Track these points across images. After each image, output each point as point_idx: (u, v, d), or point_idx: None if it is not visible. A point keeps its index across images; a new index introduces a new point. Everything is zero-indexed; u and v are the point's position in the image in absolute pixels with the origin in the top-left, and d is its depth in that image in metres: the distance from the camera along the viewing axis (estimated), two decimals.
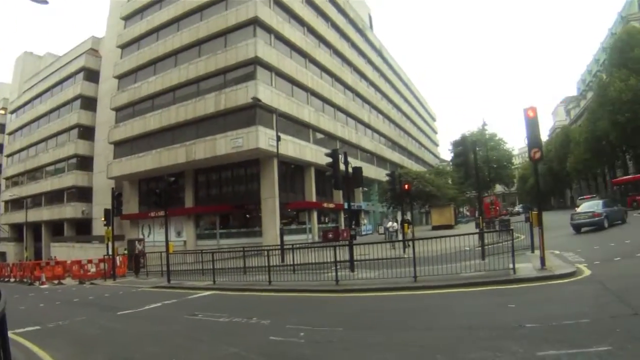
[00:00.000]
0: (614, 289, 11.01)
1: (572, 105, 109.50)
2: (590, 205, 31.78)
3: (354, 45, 71.19)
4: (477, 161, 26.00)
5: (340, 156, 22.06)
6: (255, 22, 46.20)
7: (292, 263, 21.46)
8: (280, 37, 49.57)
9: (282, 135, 36.45)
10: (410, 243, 17.81)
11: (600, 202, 32.53)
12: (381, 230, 52.84)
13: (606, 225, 28.81)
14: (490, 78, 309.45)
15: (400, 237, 32.44)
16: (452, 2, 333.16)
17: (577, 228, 29.52)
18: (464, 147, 22.22)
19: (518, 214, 59.19)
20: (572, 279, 13.38)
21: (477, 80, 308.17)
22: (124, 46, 57.93)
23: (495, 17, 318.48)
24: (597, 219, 29.04)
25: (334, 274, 16.95)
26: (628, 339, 6.94)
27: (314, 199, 51.52)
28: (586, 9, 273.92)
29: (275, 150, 35.60)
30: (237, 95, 44.51)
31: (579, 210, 31.80)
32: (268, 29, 47.79)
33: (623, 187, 50.71)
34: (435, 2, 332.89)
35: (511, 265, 14.77)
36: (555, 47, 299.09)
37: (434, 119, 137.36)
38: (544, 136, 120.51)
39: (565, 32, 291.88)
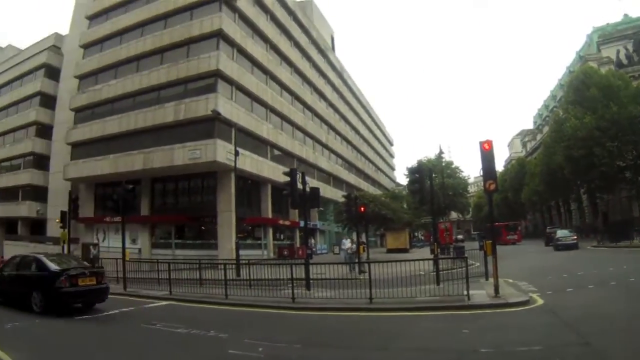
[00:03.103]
0: (565, 318, 11.48)
1: (528, 138, 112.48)
2: (564, 232, 46.54)
3: (315, 66, 71.42)
4: (433, 187, 26.44)
5: (298, 175, 22.21)
6: (219, 35, 45.97)
7: (248, 278, 21.50)
8: (242, 52, 49.41)
9: (240, 150, 36.29)
10: (366, 265, 18.07)
11: (567, 230, 47.85)
12: (336, 250, 53.06)
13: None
14: (449, 106, 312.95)
15: (356, 259, 32.66)
16: (416, 28, 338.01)
17: (558, 248, 41.77)
18: (420, 174, 22.52)
19: (462, 241, 60.32)
20: (525, 307, 13.76)
21: (436, 107, 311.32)
22: (86, 46, 56.53)
23: (457, 48, 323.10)
24: (574, 242, 42.18)
25: (290, 291, 16.98)
26: None
27: (270, 215, 51.29)
28: (547, 46, 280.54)
29: (232, 164, 35.44)
30: (197, 107, 44.05)
31: (559, 235, 44.90)
32: (231, 43, 47.62)
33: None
34: (400, 27, 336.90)
35: (465, 292, 15.03)
36: (515, 80, 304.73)
37: (391, 144, 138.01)
38: (500, 166, 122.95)
39: (524, 65, 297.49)
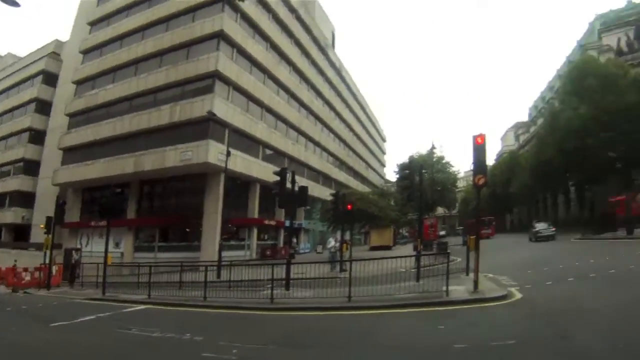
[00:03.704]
0: (543, 312, 11.42)
1: (522, 130, 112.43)
2: (542, 225, 49.67)
3: (314, 63, 71.40)
4: (423, 184, 26.41)
5: (287, 175, 22.14)
6: (219, 36, 45.99)
7: (228, 279, 21.33)
8: (242, 52, 49.34)
9: (232, 150, 36.21)
10: (347, 263, 18.01)
11: (546, 223, 50.94)
12: (319, 249, 53.07)
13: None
14: (446, 99, 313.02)
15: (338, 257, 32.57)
16: (413, 23, 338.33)
17: (537, 239, 45.13)
18: (411, 170, 22.52)
19: (445, 236, 60.89)
20: (503, 302, 13.69)
21: (432, 100, 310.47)
22: (86, 51, 56.82)
23: (454, 40, 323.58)
24: (552, 233, 45.93)
25: (269, 291, 16.89)
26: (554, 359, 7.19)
27: (256, 216, 51.07)
28: (548, 37, 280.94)
29: (223, 165, 35.34)
30: (193, 108, 44.15)
31: (538, 228, 47.97)
32: (232, 43, 47.60)
33: None
34: (397, 19, 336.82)
35: (444, 288, 14.99)
36: (513, 72, 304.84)
37: (384, 140, 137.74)
38: (492, 160, 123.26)
39: (522, 57, 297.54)
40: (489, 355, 7.95)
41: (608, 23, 72.98)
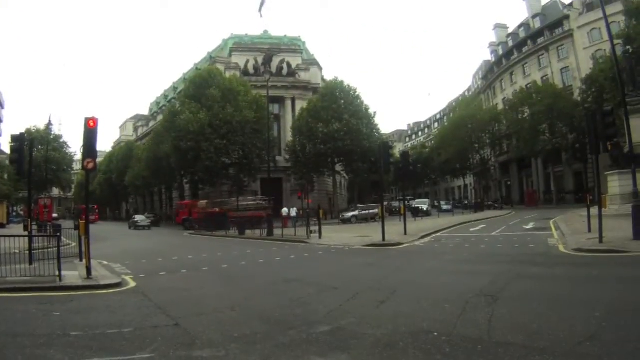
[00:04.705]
0: (157, 301, 11.75)
1: (142, 123, 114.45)
2: (141, 217, 61.07)
3: None
4: (37, 160, 25.29)
5: None
6: None
7: None
8: None
9: None
10: None
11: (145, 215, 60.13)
12: None
13: None
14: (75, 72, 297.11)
15: None
16: None
17: (136, 228, 55.17)
18: (21, 143, 21.26)
19: (58, 219, 60.13)
20: (117, 290, 13.78)
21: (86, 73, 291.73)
22: None
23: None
24: (148, 224, 58.22)
25: None
26: (170, 346, 7.51)
27: None
28: (180, 40, 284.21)
29: None
30: None
31: (137, 219, 58.71)
32: None
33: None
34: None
35: (57, 272, 14.50)
36: (137, 67, 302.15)
37: (2, 106, 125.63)
38: (109, 147, 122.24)
39: (148, 55, 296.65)
40: (108, 342, 7.87)
41: (241, 44, 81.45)
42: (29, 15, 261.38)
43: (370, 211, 55.14)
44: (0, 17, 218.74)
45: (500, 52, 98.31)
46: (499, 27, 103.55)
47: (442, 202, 76.23)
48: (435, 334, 7.71)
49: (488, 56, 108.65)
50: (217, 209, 50.64)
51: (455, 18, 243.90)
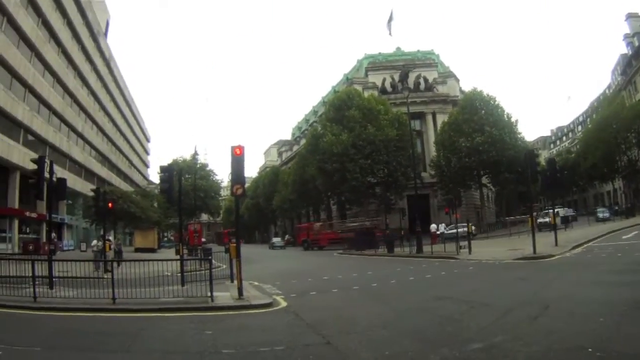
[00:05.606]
0: (308, 320, 11.55)
1: (285, 148, 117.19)
2: (278, 239, 67.96)
3: (84, 49, 66.81)
4: (185, 188, 26.28)
5: (46, 164, 20.68)
6: None
7: None
8: (12, 22, 43.80)
9: None
10: (113, 264, 17.44)
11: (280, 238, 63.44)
12: (83, 247, 50.81)
13: None
14: (217, 108, 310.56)
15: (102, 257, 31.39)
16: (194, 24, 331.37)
17: (274, 248, 60.15)
18: (170, 173, 22.09)
19: (206, 243, 62.98)
20: (268, 310, 13.76)
21: (202, 107, 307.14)
22: None
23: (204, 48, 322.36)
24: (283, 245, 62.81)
25: (32, 289, 15.36)
26: None
27: (16, 206, 45.95)
28: (316, 63, 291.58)
29: None
30: None
31: (274, 240, 62.01)
32: (2, 11, 41.97)
33: None
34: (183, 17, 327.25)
35: (209, 293, 14.77)
36: (279, 94, 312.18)
37: (148, 140, 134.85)
38: (254, 172, 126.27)
39: (290, 80, 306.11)
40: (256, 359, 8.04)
41: (376, 63, 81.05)
42: (167, 57, 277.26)
43: None
44: (143, 60, 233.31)
45: (637, 43, 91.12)
46: (632, 17, 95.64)
47: (599, 210, 70.49)
48: (590, 349, 7.23)
49: (624, 49, 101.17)
50: (365, 227, 52.29)
51: (579, 13, 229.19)
